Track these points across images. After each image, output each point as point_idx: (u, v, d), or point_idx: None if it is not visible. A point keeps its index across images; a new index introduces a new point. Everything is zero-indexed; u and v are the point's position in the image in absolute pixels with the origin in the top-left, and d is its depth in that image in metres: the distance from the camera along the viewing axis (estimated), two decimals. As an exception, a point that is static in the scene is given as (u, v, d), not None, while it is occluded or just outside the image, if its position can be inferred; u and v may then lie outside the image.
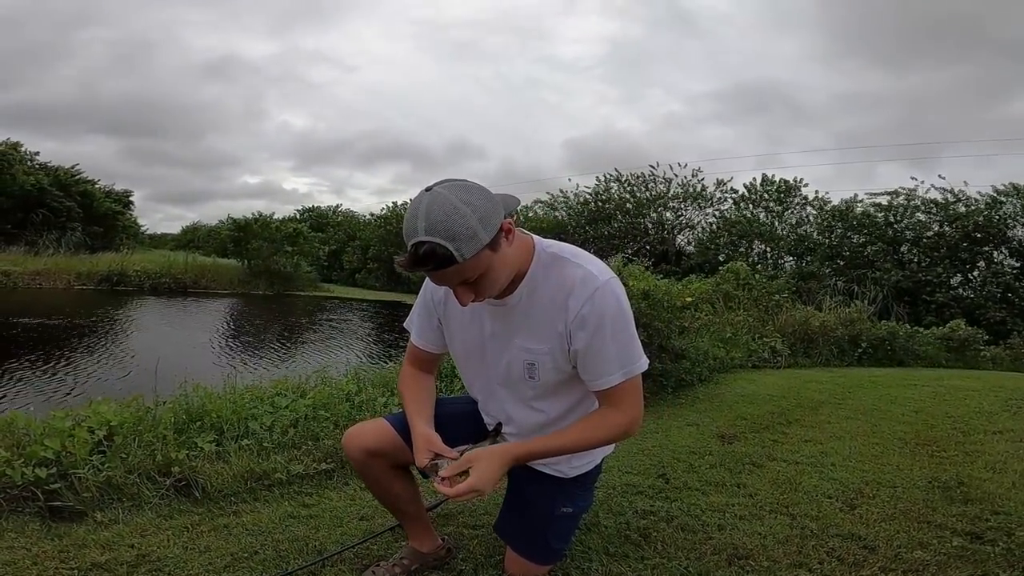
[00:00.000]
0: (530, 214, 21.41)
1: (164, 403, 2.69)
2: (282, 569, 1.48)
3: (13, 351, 6.73)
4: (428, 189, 1.06)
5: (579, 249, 1.25)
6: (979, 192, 13.57)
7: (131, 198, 22.51)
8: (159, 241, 34.54)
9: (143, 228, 28.42)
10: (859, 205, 15.30)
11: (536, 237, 1.25)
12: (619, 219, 19.01)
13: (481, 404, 1.44)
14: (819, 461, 2.49)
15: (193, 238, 33.28)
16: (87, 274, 14.61)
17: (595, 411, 1.29)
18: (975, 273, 13.34)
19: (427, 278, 1.24)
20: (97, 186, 20.24)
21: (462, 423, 1.40)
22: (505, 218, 1.10)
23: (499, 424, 1.37)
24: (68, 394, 5.11)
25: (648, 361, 1.26)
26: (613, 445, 1.51)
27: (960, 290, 13.25)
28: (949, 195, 13.73)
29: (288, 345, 9.05)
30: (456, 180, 1.08)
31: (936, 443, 2.80)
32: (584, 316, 1.17)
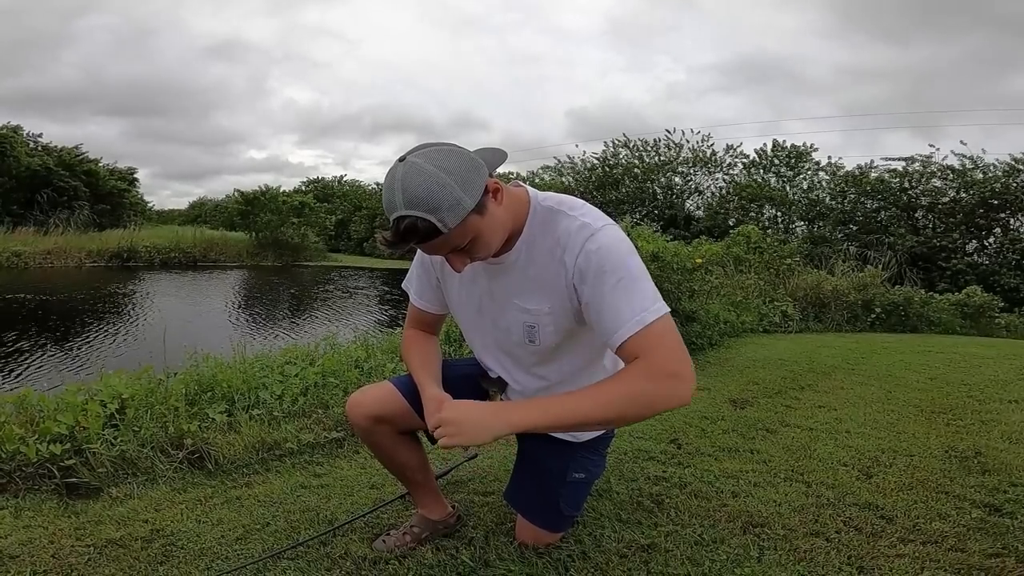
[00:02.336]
0: (537, 180, 21.29)
1: (175, 374, 2.70)
2: (293, 540, 1.48)
3: (31, 327, 6.82)
4: (402, 159, 0.98)
5: (578, 200, 1.16)
6: (997, 160, 13.28)
7: (135, 175, 22.65)
8: (167, 217, 34.65)
9: (150, 204, 28.51)
10: (873, 171, 15.00)
11: (532, 191, 1.17)
12: (627, 184, 18.85)
13: (485, 367, 1.39)
14: (834, 428, 2.46)
15: (200, 213, 33.38)
16: (97, 251, 14.73)
17: (618, 371, 1.08)
18: (991, 240, 13.08)
19: None
20: (101, 165, 20.27)
21: (469, 386, 1.35)
22: (491, 176, 1.04)
23: (501, 381, 1.32)
24: (82, 368, 5.19)
25: (668, 307, 1.07)
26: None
27: (975, 256, 13.03)
28: (967, 161, 13.44)
29: (297, 314, 9.12)
30: (431, 145, 1.01)
31: (952, 411, 2.75)
32: (582, 269, 1.07)
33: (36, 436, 1.97)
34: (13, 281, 10.93)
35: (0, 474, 1.86)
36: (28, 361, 5.36)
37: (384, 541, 1.43)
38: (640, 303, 1.04)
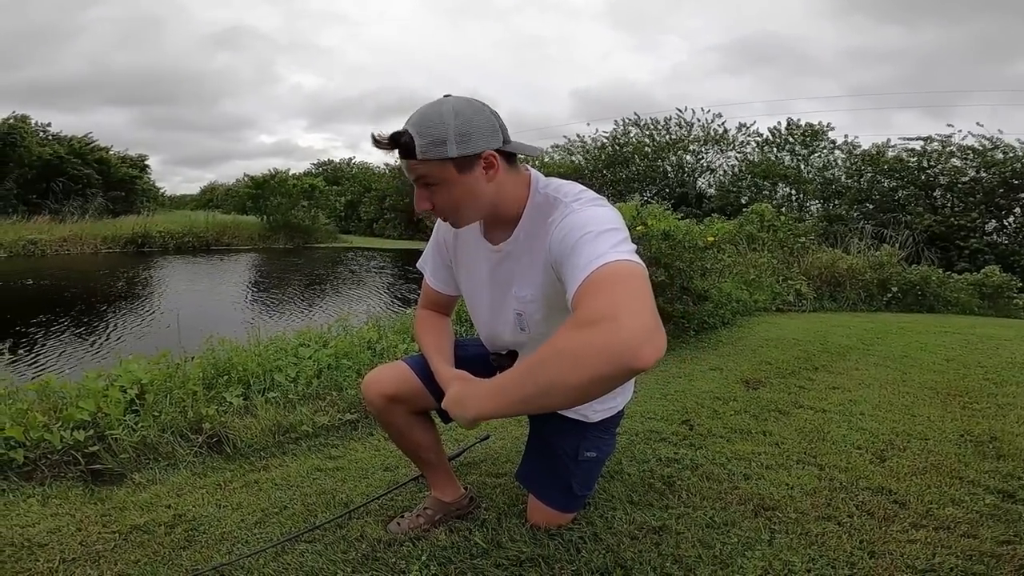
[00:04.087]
0: (546, 159, 21.14)
1: (192, 358, 2.74)
2: (310, 523, 1.51)
3: (53, 312, 6.95)
4: (446, 96, 1.08)
5: (577, 186, 1.12)
6: (1018, 139, 13.00)
7: (146, 162, 22.75)
8: (179, 202, 34.89)
9: (162, 191, 28.69)
10: (890, 150, 14.70)
11: (536, 177, 1.16)
12: (637, 162, 18.64)
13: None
14: (847, 410, 2.44)
15: (212, 198, 33.57)
16: (112, 238, 14.89)
17: None
18: (1011, 220, 12.84)
19: (438, 220, 1.23)
20: (111, 152, 20.39)
21: (481, 364, 1.36)
22: (499, 154, 1.07)
23: (512, 352, 1.32)
24: (99, 352, 5.29)
25: (638, 260, 0.89)
26: (624, 388, 1.39)
27: (995, 236, 12.77)
28: (986, 142, 13.12)
29: (309, 296, 9.19)
30: (473, 98, 1.09)
31: (968, 394, 2.71)
32: (556, 254, 1.01)
33: (59, 423, 2.02)
34: (32, 268, 11.12)
35: (26, 462, 1.90)
36: (49, 346, 5.48)
37: (398, 523, 1.46)
38: (591, 252, 0.89)
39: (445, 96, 1.07)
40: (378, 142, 1.06)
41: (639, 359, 0.75)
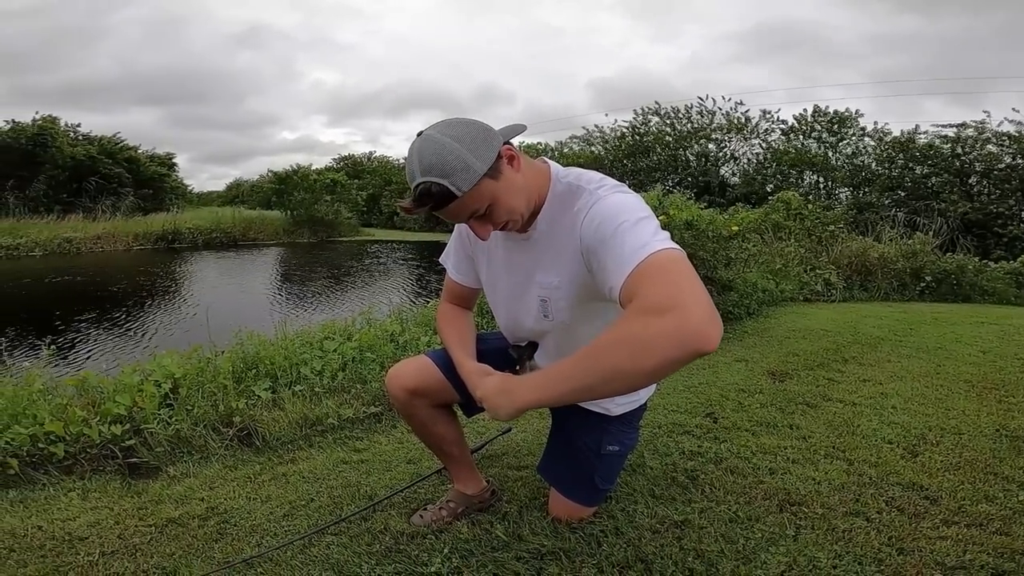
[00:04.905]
0: (565, 150, 21.00)
1: (222, 352, 2.82)
2: (336, 515, 1.54)
3: (88, 307, 7.21)
4: (419, 134, 1.04)
5: (597, 174, 1.13)
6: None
7: (175, 160, 23.27)
8: (206, 199, 35.65)
9: (190, 188, 29.34)
10: (922, 136, 14.25)
11: (555, 167, 1.17)
12: (658, 152, 18.37)
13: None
14: (878, 403, 2.38)
15: (238, 194, 34.29)
16: (143, 235, 15.38)
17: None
18: (1050, 207, 12.31)
19: None
20: (141, 151, 20.93)
21: (502, 358, 1.37)
22: (506, 144, 1.06)
23: (532, 343, 1.32)
24: (137, 346, 5.47)
25: (678, 246, 0.93)
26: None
27: (1033, 223, 12.27)
28: None
29: (334, 289, 9.35)
30: (445, 120, 1.06)
31: (1004, 387, 2.61)
32: (587, 236, 1.03)
33: (98, 418, 2.10)
34: (68, 266, 11.54)
35: (66, 456, 1.98)
36: (90, 340, 5.69)
37: (421, 516, 1.48)
38: (634, 243, 0.93)
39: (419, 135, 1.04)
40: (415, 205, 1.01)
41: (709, 343, 0.81)
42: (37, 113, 18.39)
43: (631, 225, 0.96)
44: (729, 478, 1.68)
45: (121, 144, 20.08)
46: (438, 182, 0.99)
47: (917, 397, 2.47)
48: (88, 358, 5.02)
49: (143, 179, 20.00)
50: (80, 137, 19.39)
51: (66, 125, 19.12)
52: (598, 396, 0.92)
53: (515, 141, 1.12)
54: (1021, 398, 2.45)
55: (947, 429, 2.08)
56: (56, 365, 4.06)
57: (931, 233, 7.79)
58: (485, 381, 1.08)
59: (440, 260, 1.45)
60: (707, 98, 18.08)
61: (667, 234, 0.97)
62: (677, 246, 0.93)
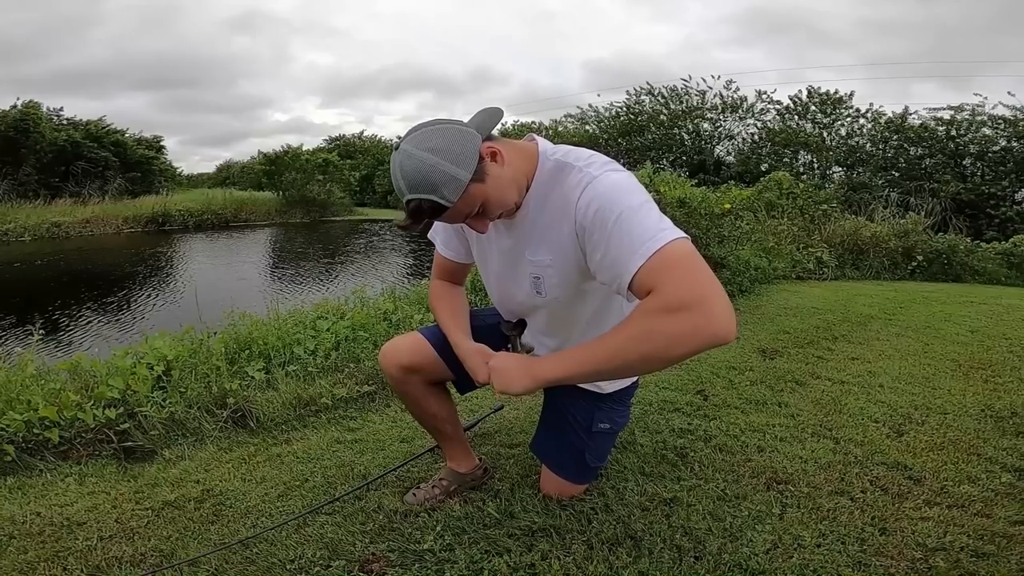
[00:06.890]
0: (560, 128, 20.81)
1: (215, 334, 2.80)
2: (330, 495, 1.56)
3: (79, 292, 7.15)
4: (396, 148, 1.05)
5: (586, 151, 1.13)
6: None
7: (162, 143, 22.94)
8: (196, 181, 35.06)
9: (179, 170, 28.89)
10: (916, 117, 14.25)
11: (543, 145, 1.16)
12: (653, 131, 18.25)
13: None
14: (866, 381, 2.42)
15: (228, 175, 33.74)
16: (133, 217, 15.15)
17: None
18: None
19: None
20: (128, 135, 20.59)
21: (495, 335, 1.37)
22: (489, 139, 1.07)
23: (521, 321, 1.33)
24: (126, 329, 5.45)
25: (682, 232, 0.96)
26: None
27: (1025, 205, 12.33)
28: (1019, 112, 12.67)
29: (326, 268, 9.31)
30: (420, 128, 1.05)
31: (991, 367, 2.65)
32: (583, 220, 1.03)
33: (92, 402, 2.09)
34: (57, 250, 11.39)
35: (62, 441, 1.97)
36: (79, 323, 5.66)
37: (414, 495, 1.50)
38: (642, 233, 0.94)
39: (395, 151, 1.04)
40: (410, 222, 1.04)
41: (730, 335, 0.89)
42: (18, 99, 18.00)
43: (633, 212, 0.97)
44: (718, 456, 1.71)
45: (107, 128, 19.73)
46: (427, 198, 1.00)
47: (904, 376, 2.50)
48: (80, 343, 4.99)
49: (131, 162, 19.70)
50: (64, 122, 19.00)
51: (49, 110, 18.72)
52: (614, 378, 1.05)
53: (506, 119, 1.11)
54: (1007, 378, 2.49)
55: (933, 408, 2.11)
56: (48, 350, 4.03)
57: (923, 213, 7.81)
58: (498, 357, 1.14)
59: (429, 236, 1.43)
60: (690, 79, 17.83)
61: (669, 220, 0.99)
62: (683, 233, 0.96)
